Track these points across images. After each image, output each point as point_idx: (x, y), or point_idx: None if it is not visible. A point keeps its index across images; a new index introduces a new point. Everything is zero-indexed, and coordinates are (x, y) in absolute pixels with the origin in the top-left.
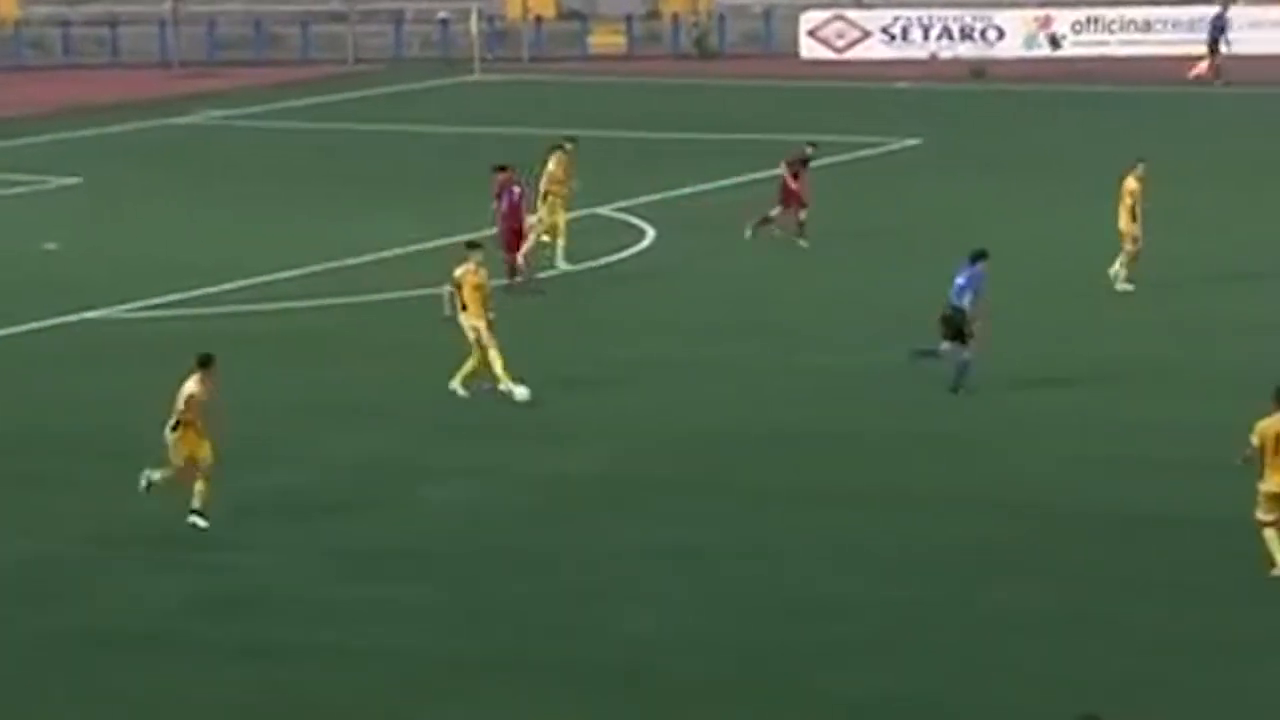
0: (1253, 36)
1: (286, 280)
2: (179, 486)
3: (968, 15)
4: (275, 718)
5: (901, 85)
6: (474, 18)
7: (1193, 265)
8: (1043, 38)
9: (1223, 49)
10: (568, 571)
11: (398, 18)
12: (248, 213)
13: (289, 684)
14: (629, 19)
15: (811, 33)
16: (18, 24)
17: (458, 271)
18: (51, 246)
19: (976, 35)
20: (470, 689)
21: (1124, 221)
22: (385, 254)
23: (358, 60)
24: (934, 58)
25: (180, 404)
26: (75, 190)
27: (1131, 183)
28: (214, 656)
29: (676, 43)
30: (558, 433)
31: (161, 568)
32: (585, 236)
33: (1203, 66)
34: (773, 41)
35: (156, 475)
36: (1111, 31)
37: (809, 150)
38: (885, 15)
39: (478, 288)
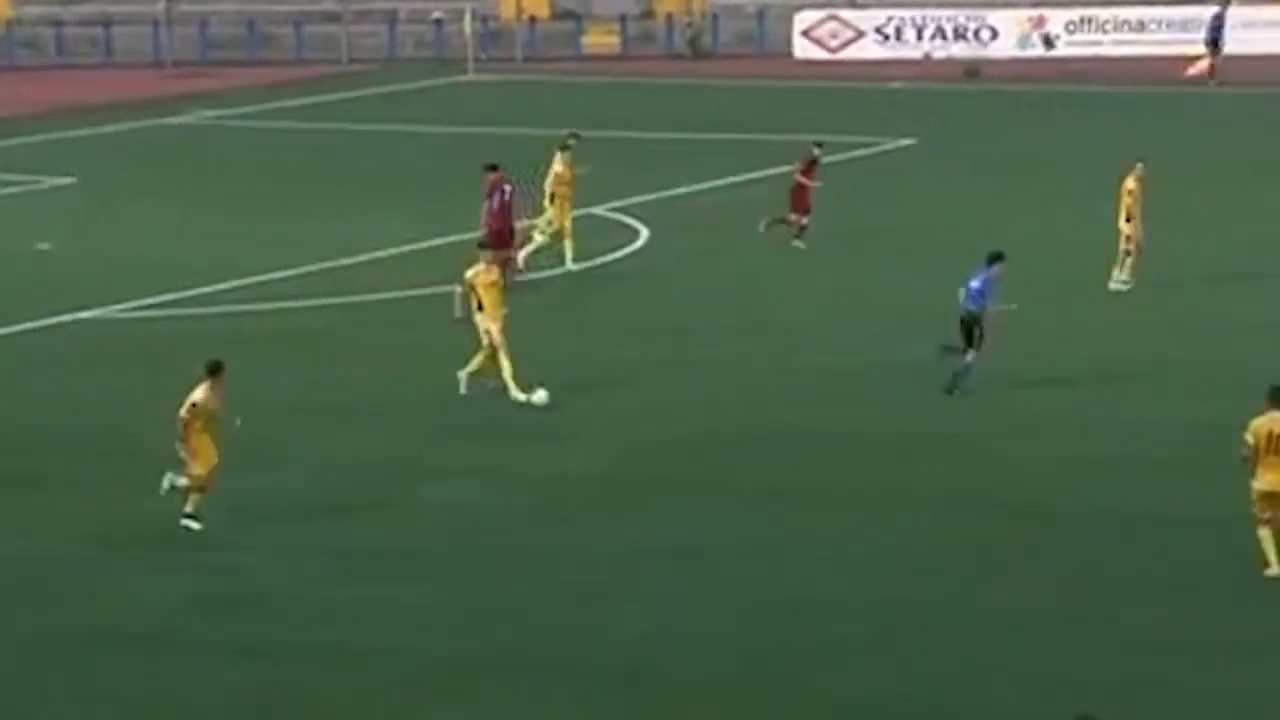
0: (1247, 36)
1: (281, 280)
2: (210, 488)
3: (961, 15)
4: (275, 718)
5: (895, 85)
6: (468, 18)
7: (1189, 265)
8: (1036, 38)
9: (1221, 49)
10: (567, 571)
11: (392, 18)
12: (242, 213)
13: (288, 684)
14: (623, 19)
15: (805, 33)
16: (10, 24)
17: (469, 273)
18: (45, 246)
19: (970, 35)
20: (470, 689)
21: (1121, 221)
22: (380, 254)
23: (352, 60)
24: (928, 58)
25: (183, 412)
26: (69, 190)
27: (1130, 183)
28: (213, 657)
29: (670, 43)
30: (556, 433)
31: (160, 568)
32: (580, 236)
33: (1202, 66)
34: (766, 41)
35: (181, 481)
36: (1105, 31)
37: (816, 151)
38: (879, 15)
39: (491, 286)
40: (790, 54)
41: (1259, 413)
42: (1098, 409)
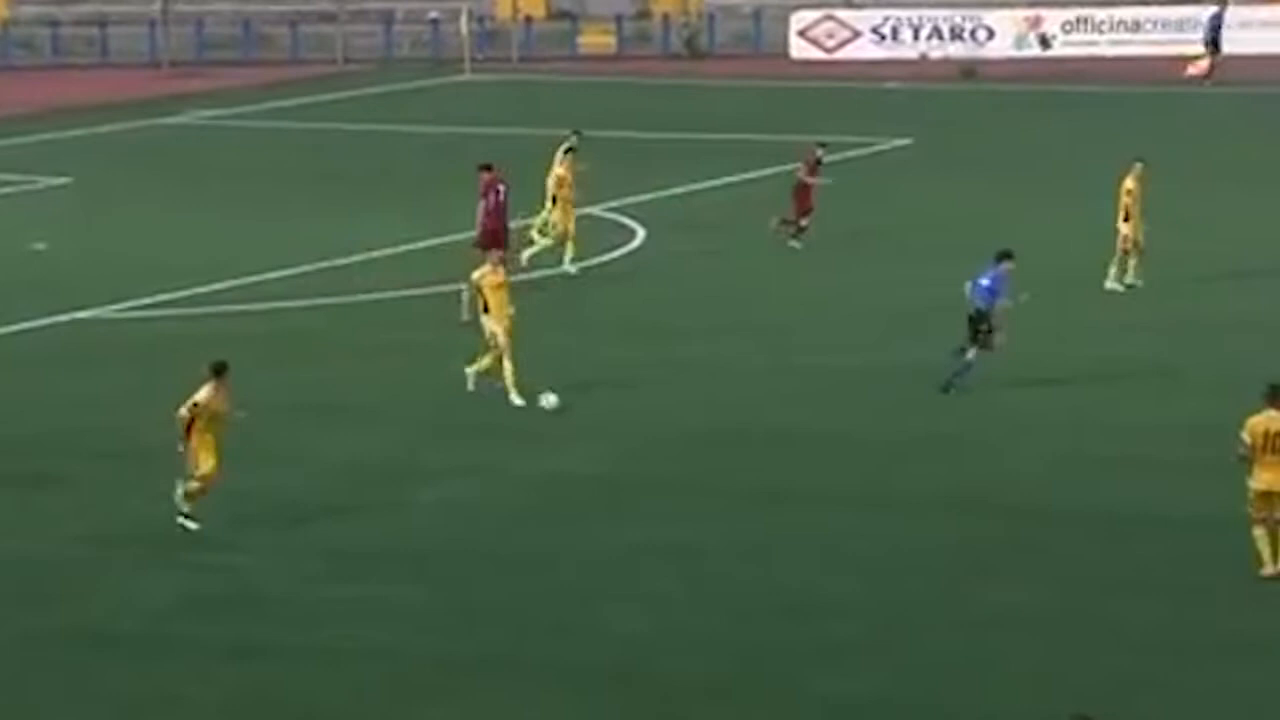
0: (1240, 36)
1: (277, 280)
2: (209, 490)
3: (958, 15)
4: (269, 718)
5: (891, 85)
6: (464, 18)
7: (1185, 264)
8: (1033, 38)
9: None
10: (562, 571)
11: (387, 18)
12: (237, 213)
13: (283, 684)
14: (619, 19)
15: (801, 33)
16: (6, 24)
17: (476, 275)
18: (40, 246)
19: (966, 35)
20: (465, 689)
21: (1119, 221)
22: (376, 254)
23: (347, 60)
24: (924, 58)
25: (183, 410)
26: (64, 190)
27: (1129, 183)
28: (207, 657)
29: (666, 43)
30: (551, 433)
31: (153, 568)
32: (576, 237)
33: (1202, 65)
34: (763, 41)
35: (191, 486)
36: (1101, 32)
37: (820, 152)
38: (875, 15)
39: (499, 287)
40: (786, 54)
41: (1256, 411)
42: (1094, 409)
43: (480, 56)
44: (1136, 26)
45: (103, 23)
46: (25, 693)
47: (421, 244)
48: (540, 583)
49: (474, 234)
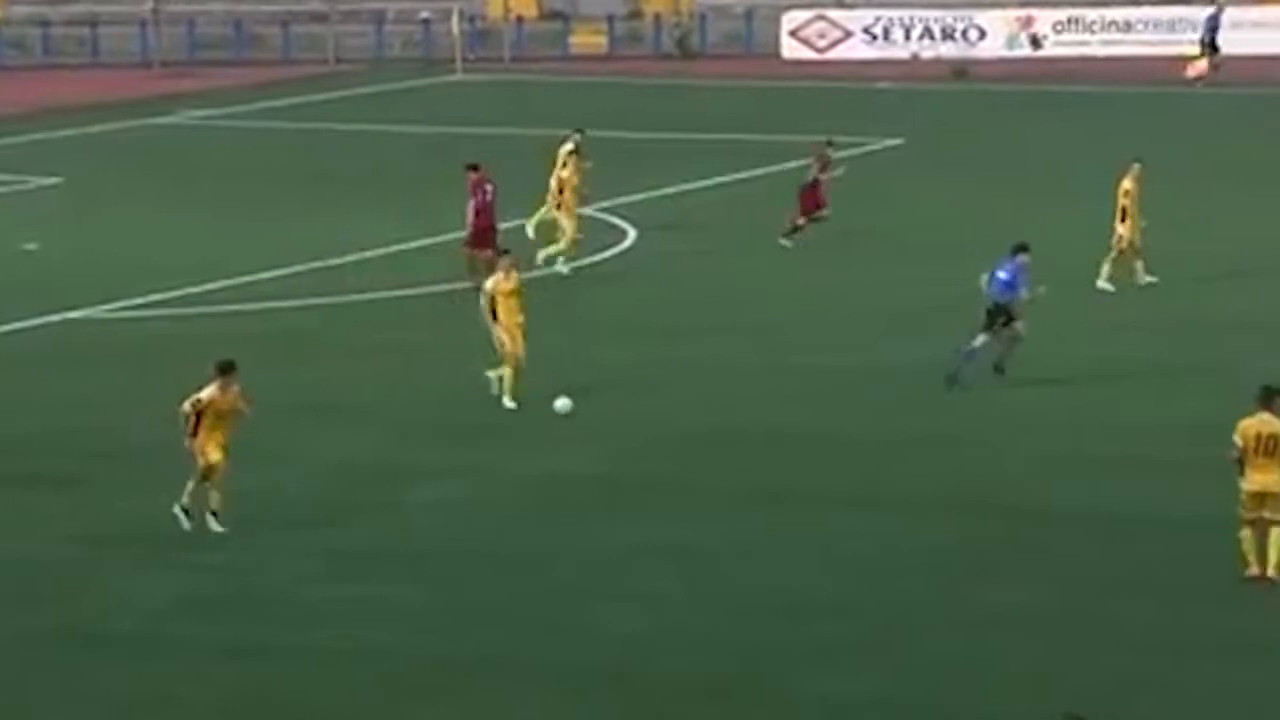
0: (1232, 37)
1: (269, 280)
2: (214, 483)
3: (949, 15)
4: (264, 718)
5: (883, 85)
6: (455, 18)
7: (1183, 265)
8: (1024, 38)
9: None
10: (558, 571)
11: (379, 18)
12: (229, 213)
13: (276, 684)
14: (610, 19)
15: (793, 33)
16: None
17: (489, 283)
18: (31, 247)
19: (958, 35)
20: (460, 689)
21: (1116, 221)
22: (368, 254)
23: (339, 60)
24: (915, 58)
25: (185, 406)
26: (55, 190)
27: (1127, 183)
28: (203, 657)
29: (658, 43)
30: (546, 433)
31: (148, 568)
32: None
33: (1200, 66)
34: (754, 41)
35: (185, 500)
36: (1092, 32)
37: (828, 150)
38: (867, 15)
39: (510, 294)
40: (778, 54)
41: (1249, 414)
42: (1093, 408)
43: (472, 56)
44: (1128, 27)
45: (94, 23)
46: (20, 693)
47: (413, 244)
48: (536, 583)
49: (465, 234)
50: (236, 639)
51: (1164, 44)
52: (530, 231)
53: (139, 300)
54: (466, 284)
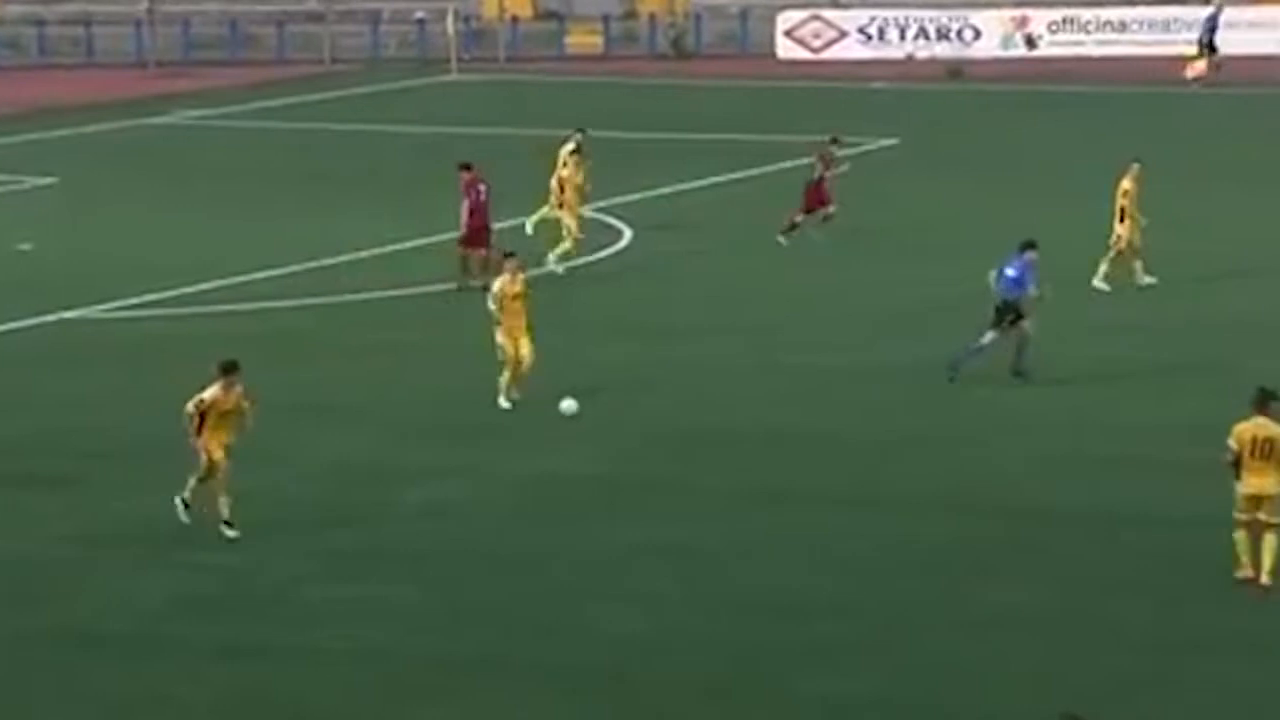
0: (1229, 37)
1: (264, 280)
2: (219, 485)
3: (944, 15)
4: (259, 718)
5: (878, 85)
6: (451, 18)
7: (1181, 264)
8: (1019, 38)
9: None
10: (554, 571)
11: (374, 18)
12: (224, 213)
13: (273, 684)
14: (606, 19)
15: (788, 33)
16: None
17: (496, 286)
18: (26, 247)
19: (953, 35)
20: (456, 689)
21: (1115, 221)
22: (363, 254)
23: (334, 60)
24: (910, 58)
25: (189, 406)
26: (50, 190)
27: (1126, 183)
28: (197, 657)
29: (653, 43)
30: (541, 433)
31: (143, 568)
32: (561, 237)
33: (1199, 67)
34: (749, 41)
35: (187, 492)
36: (1088, 32)
37: (832, 148)
38: (862, 15)
39: (517, 297)
40: (773, 54)
41: (1244, 417)
42: (1092, 408)
43: (467, 56)
44: (1123, 27)
45: (89, 22)
46: (15, 693)
47: (408, 244)
48: (533, 583)
49: (459, 233)
50: (233, 639)
51: (1159, 44)
52: (529, 229)
53: (134, 300)
54: (452, 285)
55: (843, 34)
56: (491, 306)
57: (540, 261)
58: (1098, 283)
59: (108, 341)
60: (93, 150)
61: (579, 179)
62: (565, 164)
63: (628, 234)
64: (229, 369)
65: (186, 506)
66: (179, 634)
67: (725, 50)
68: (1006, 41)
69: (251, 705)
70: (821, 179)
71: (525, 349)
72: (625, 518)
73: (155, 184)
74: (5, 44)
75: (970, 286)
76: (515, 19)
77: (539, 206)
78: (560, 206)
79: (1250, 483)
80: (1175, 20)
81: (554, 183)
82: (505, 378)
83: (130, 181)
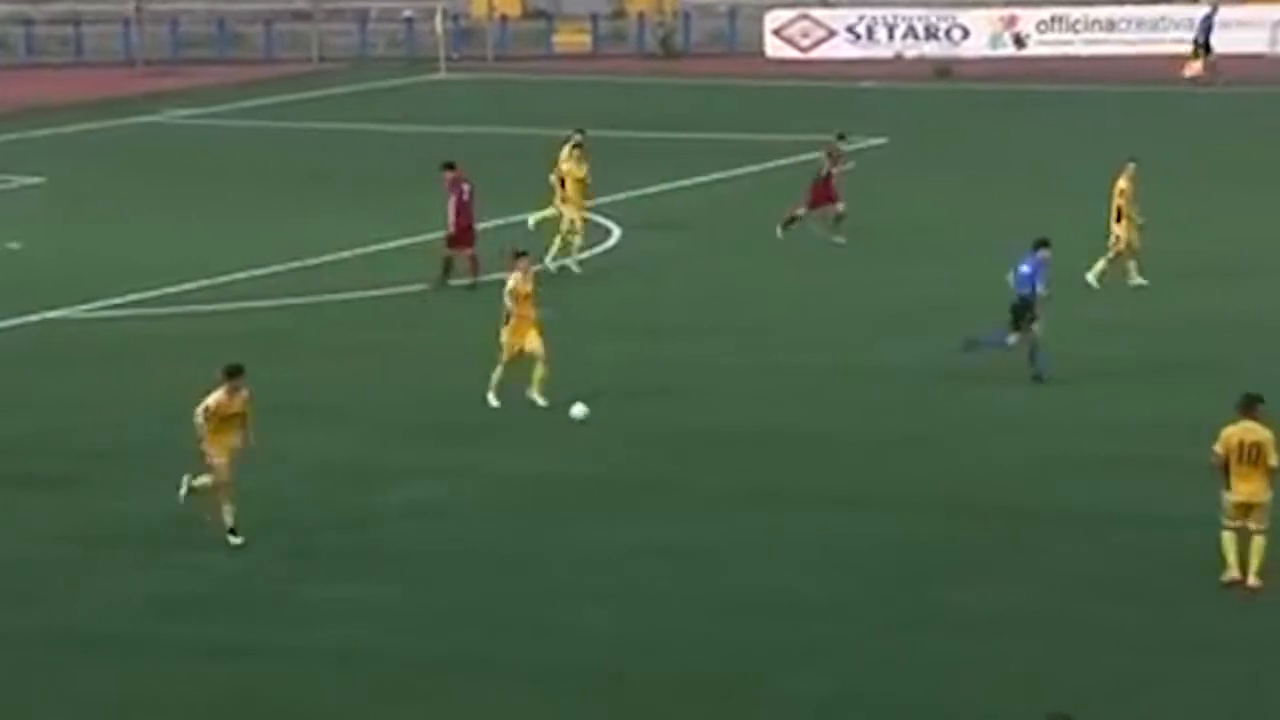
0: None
1: (247, 280)
2: (222, 492)
3: (933, 15)
4: (247, 718)
5: (866, 84)
6: (439, 16)
7: (1176, 264)
8: (1007, 37)
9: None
10: (538, 571)
11: (362, 16)
12: (210, 212)
13: (261, 685)
14: (594, 18)
15: (776, 32)
16: None
17: (510, 283)
18: (14, 246)
19: (941, 34)
20: (441, 690)
21: (1111, 220)
22: (348, 254)
23: (322, 59)
24: (899, 57)
25: (197, 416)
26: (38, 189)
27: (1123, 182)
28: (185, 657)
29: (641, 42)
30: (526, 433)
31: (130, 569)
32: (550, 235)
33: (1196, 67)
34: (737, 40)
35: (197, 482)
36: (1076, 31)
37: (839, 144)
38: (850, 14)
39: (528, 297)
40: (762, 53)
41: (1231, 420)
42: (1088, 408)
43: (455, 55)
44: (1111, 26)
45: (77, 21)
46: (7, 693)
47: (392, 244)
48: (517, 583)
49: (447, 233)
50: (219, 639)
51: (1147, 43)
52: (531, 224)
53: (117, 300)
54: (425, 285)
55: (831, 33)
56: (508, 303)
57: (573, 263)
58: (1090, 278)
59: (90, 341)
60: (81, 149)
61: (581, 173)
62: (567, 158)
63: (616, 233)
64: (233, 372)
65: (193, 490)
66: (166, 634)
67: (714, 49)
68: (995, 41)
69: (240, 705)
70: (829, 175)
71: (534, 344)
72: (611, 517)
73: (143, 183)
74: None
75: (963, 286)
76: (504, 18)
77: (527, 205)
78: (563, 202)
79: (1239, 489)
80: (1164, 19)
81: (553, 179)
82: (498, 374)
83: (118, 180)
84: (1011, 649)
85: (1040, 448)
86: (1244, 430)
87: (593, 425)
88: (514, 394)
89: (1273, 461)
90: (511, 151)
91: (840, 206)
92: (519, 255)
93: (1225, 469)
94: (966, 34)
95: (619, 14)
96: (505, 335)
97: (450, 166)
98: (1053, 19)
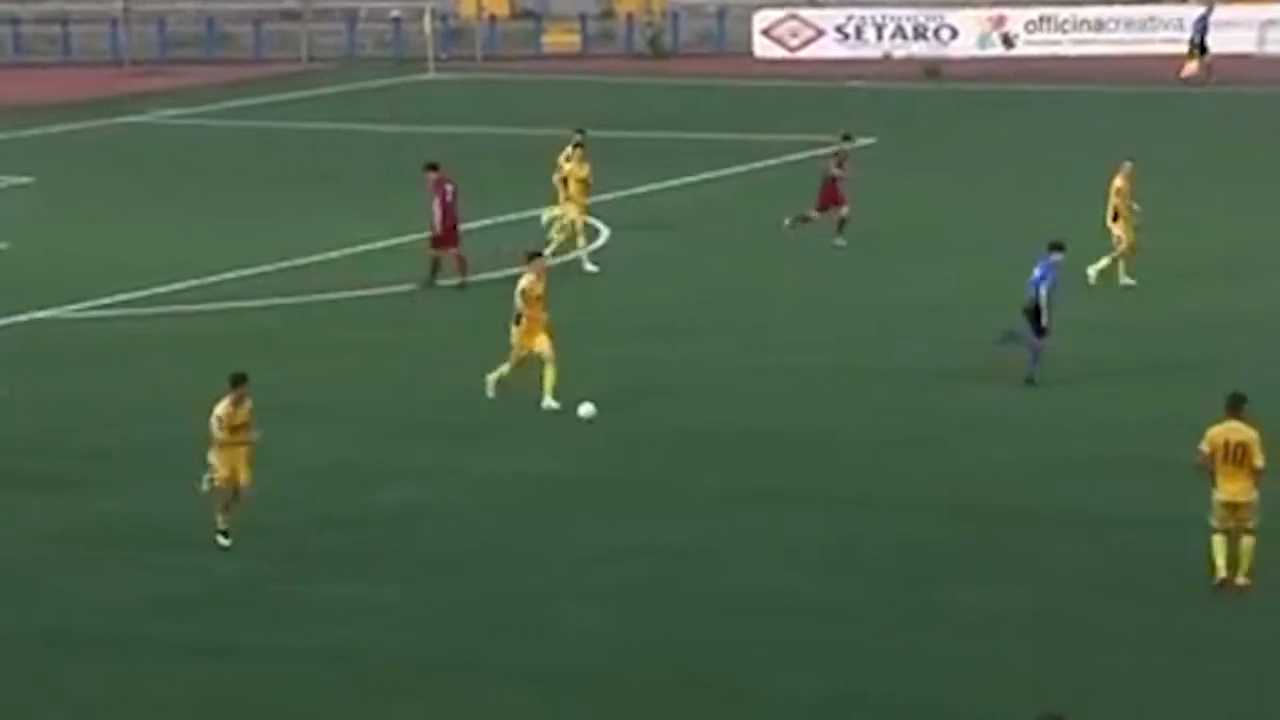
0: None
1: (235, 280)
2: (222, 500)
3: (921, 14)
4: (235, 718)
5: (855, 84)
6: (428, 16)
7: (1168, 263)
8: (996, 37)
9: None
10: (529, 571)
11: (351, 16)
12: (199, 213)
13: (249, 684)
14: (583, 18)
15: (765, 31)
16: None
17: (524, 283)
18: (2, 246)
19: (930, 34)
20: (432, 690)
21: (1109, 219)
22: (336, 254)
23: (311, 59)
24: (888, 57)
25: (215, 430)
26: (26, 189)
27: (1119, 181)
28: (174, 657)
29: (630, 42)
30: (516, 432)
31: (119, 568)
32: (540, 235)
33: (1192, 66)
34: (726, 40)
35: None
36: (1064, 31)
37: (845, 144)
38: (839, 14)
39: (539, 298)
40: (750, 53)
41: (1218, 420)
42: (1085, 408)
43: (444, 55)
44: (1099, 26)
45: (64, 21)
46: (6, 693)
47: (380, 244)
48: (516, 583)
49: (433, 234)
50: (209, 639)
51: (1136, 43)
52: (545, 220)
53: (105, 300)
54: (413, 285)
55: (820, 33)
56: (519, 304)
57: (585, 262)
58: (1091, 271)
59: (78, 342)
60: (68, 149)
61: (583, 173)
62: (569, 159)
63: (606, 233)
64: (238, 381)
65: (211, 483)
66: (157, 634)
67: (702, 49)
68: (983, 41)
69: (229, 705)
70: (835, 177)
71: (544, 347)
72: (601, 517)
73: (131, 183)
74: None
75: (960, 286)
76: (492, 18)
77: (515, 206)
78: (566, 201)
79: (1225, 489)
80: (1152, 19)
81: (556, 180)
82: (503, 372)
83: (106, 180)
84: (1012, 649)
85: (1041, 448)
86: (1229, 430)
87: (587, 425)
88: (513, 393)
89: (1258, 462)
90: (500, 152)
91: (844, 210)
92: (533, 256)
93: (1210, 469)
94: (955, 34)
95: (607, 14)
96: (516, 336)
97: (433, 167)
98: (1041, 19)
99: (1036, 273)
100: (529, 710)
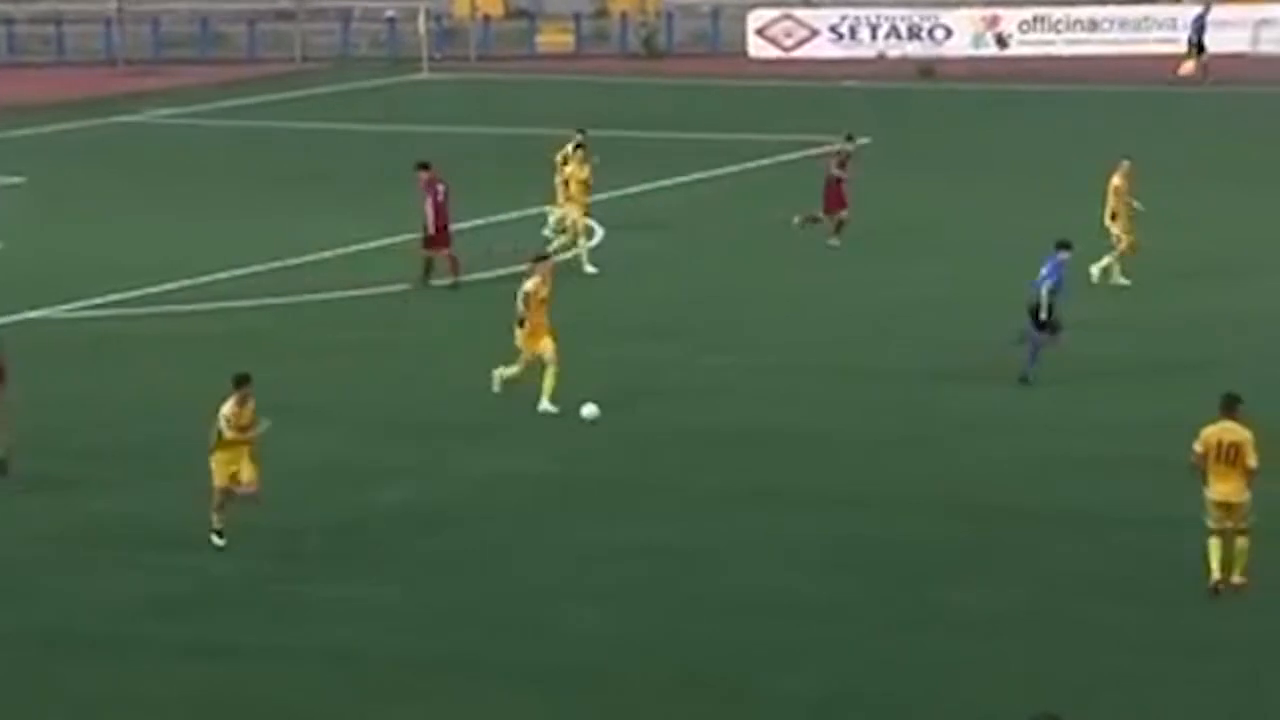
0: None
1: (230, 280)
2: (223, 505)
3: (915, 14)
4: (231, 719)
5: (850, 84)
6: (422, 16)
7: (1165, 262)
8: (990, 37)
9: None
10: (525, 571)
11: (345, 16)
12: (192, 212)
13: (245, 685)
14: (577, 18)
15: (759, 31)
16: None
17: (529, 286)
18: None
19: (924, 34)
20: (430, 690)
21: (1107, 219)
22: (329, 253)
23: (305, 59)
24: (882, 57)
25: (221, 427)
26: (18, 189)
27: (1117, 180)
28: (170, 657)
29: (624, 42)
30: (510, 433)
31: (114, 568)
32: (533, 235)
33: (1189, 66)
34: (720, 40)
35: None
36: (1058, 31)
37: (849, 146)
38: (833, 14)
39: (543, 302)
40: (744, 53)
41: (1211, 420)
42: (1081, 408)
43: (438, 55)
44: (1093, 26)
45: (58, 21)
46: (5, 693)
47: (373, 244)
48: (502, 582)
49: (426, 234)
50: (205, 639)
51: (1130, 43)
52: (552, 221)
53: (98, 300)
54: (406, 285)
55: (814, 33)
56: (520, 307)
57: (586, 262)
58: (1094, 270)
59: (72, 342)
60: (62, 149)
61: (584, 174)
62: (568, 161)
63: (600, 232)
64: (241, 382)
65: (233, 480)
66: (152, 634)
67: (697, 49)
68: (977, 40)
69: (224, 706)
70: (838, 179)
71: (547, 350)
72: (597, 517)
73: (124, 183)
74: None
75: (957, 286)
76: (486, 18)
77: (510, 205)
78: (568, 201)
79: (1218, 489)
80: (1146, 19)
81: (558, 181)
82: (514, 371)
83: (99, 180)
84: (1011, 649)
85: (1039, 447)
86: (1223, 430)
87: (578, 425)
88: (512, 393)
89: (1251, 462)
90: (494, 152)
91: (844, 213)
92: (539, 259)
93: (1203, 468)
94: (949, 34)
95: (602, 14)
96: (521, 340)
97: (425, 166)
98: (1035, 19)
99: (1043, 271)
100: (529, 710)
